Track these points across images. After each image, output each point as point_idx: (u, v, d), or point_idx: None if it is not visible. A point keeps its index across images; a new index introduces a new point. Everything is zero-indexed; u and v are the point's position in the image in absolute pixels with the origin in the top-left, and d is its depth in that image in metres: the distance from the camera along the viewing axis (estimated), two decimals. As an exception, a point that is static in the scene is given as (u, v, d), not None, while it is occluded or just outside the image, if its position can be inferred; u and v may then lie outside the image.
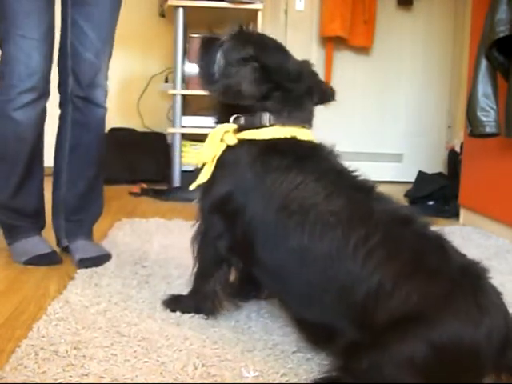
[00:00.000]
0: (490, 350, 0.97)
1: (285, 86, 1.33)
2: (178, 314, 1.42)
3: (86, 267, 1.75)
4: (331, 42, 3.80)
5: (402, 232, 1.10)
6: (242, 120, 1.34)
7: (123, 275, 1.70)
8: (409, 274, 1.03)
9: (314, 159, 1.26)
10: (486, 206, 2.56)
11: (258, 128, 1.32)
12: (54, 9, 1.74)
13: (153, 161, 3.63)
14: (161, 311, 1.44)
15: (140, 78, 3.86)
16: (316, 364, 1.19)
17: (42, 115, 1.79)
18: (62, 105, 1.87)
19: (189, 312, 1.41)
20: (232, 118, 1.35)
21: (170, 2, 3.14)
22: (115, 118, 3.87)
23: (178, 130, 3.26)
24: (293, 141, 1.30)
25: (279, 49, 1.39)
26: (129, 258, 1.88)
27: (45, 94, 1.76)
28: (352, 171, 1.25)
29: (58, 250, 1.91)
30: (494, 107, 2.26)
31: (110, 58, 1.86)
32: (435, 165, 3.88)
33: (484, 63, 2.25)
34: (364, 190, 1.20)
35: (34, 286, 1.61)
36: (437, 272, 1.03)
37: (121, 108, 3.88)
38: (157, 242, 2.10)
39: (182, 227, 2.35)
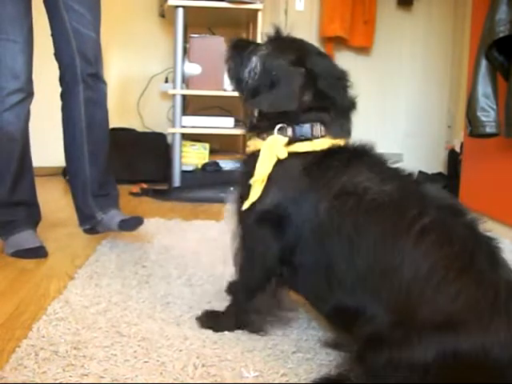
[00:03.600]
0: None
1: (331, 95, 1.27)
2: (178, 313, 1.42)
3: (127, 228, 1.95)
4: (331, 42, 3.80)
5: (453, 221, 1.06)
6: (290, 131, 1.26)
7: (123, 275, 1.70)
8: (458, 271, 0.98)
9: (366, 156, 1.22)
10: (486, 206, 2.56)
11: (309, 140, 1.25)
12: (32, 13, 1.85)
13: (153, 161, 3.63)
14: (161, 311, 1.44)
15: (140, 78, 3.86)
16: (316, 364, 1.19)
17: (28, 115, 1.89)
18: (69, 90, 1.93)
19: (230, 330, 1.33)
20: (276, 128, 1.26)
21: (169, 2, 3.14)
22: (115, 118, 3.86)
23: (178, 130, 3.26)
24: (343, 149, 1.25)
25: (323, 55, 1.34)
26: (129, 258, 1.88)
27: (30, 94, 1.87)
28: (400, 167, 1.22)
29: (81, 231, 2.07)
30: (494, 107, 2.26)
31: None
32: (435, 165, 3.88)
33: (484, 63, 2.25)
34: (414, 179, 1.18)
35: (34, 286, 1.62)
36: (485, 278, 0.98)
37: (121, 108, 3.88)
38: (157, 242, 2.10)
39: (182, 227, 2.35)
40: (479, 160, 2.63)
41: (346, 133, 1.29)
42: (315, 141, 1.25)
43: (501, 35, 2.15)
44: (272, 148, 1.25)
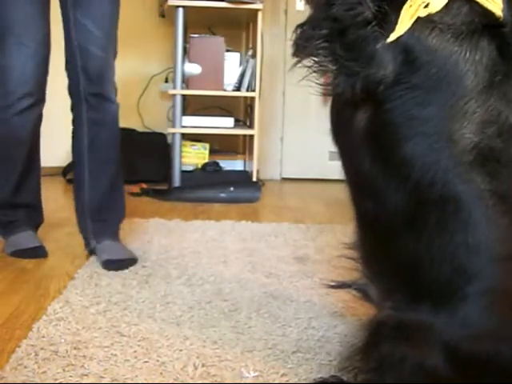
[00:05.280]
0: None
1: None
2: (178, 313, 1.42)
3: (110, 270, 1.74)
4: (331, 41, 3.79)
5: None
6: None
7: (123, 275, 1.70)
8: None
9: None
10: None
11: None
12: (49, 16, 1.81)
13: (153, 161, 3.62)
14: (161, 311, 1.44)
15: (140, 78, 3.85)
16: (316, 364, 1.19)
17: (39, 120, 1.87)
18: (75, 106, 1.88)
19: None
20: None
21: (169, 2, 3.14)
22: (115, 118, 3.86)
23: (178, 130, 3.26)
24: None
25: None
26: (129, 258, 1.88)
27: (41, 100, 1.85)
28: None
29: (85, 252, 1.91)
30: (494, 107, 2.26)
31: (115, 55, 1.86)
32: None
33: (484, 63, 2.25)
34: None
35: (34, 286, 1.62)
36: None
37: (121, 108, 3.85)
38: (157, 242, 2.10)
39: (182, 227, 2.35)
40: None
41: None
42: None
43: (501, 35, 2.15)
44: None
